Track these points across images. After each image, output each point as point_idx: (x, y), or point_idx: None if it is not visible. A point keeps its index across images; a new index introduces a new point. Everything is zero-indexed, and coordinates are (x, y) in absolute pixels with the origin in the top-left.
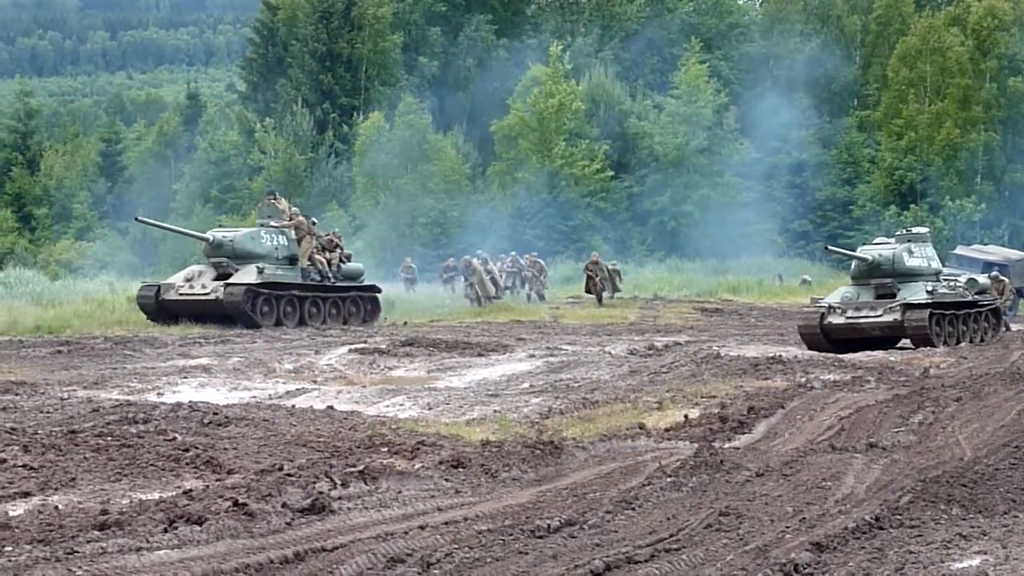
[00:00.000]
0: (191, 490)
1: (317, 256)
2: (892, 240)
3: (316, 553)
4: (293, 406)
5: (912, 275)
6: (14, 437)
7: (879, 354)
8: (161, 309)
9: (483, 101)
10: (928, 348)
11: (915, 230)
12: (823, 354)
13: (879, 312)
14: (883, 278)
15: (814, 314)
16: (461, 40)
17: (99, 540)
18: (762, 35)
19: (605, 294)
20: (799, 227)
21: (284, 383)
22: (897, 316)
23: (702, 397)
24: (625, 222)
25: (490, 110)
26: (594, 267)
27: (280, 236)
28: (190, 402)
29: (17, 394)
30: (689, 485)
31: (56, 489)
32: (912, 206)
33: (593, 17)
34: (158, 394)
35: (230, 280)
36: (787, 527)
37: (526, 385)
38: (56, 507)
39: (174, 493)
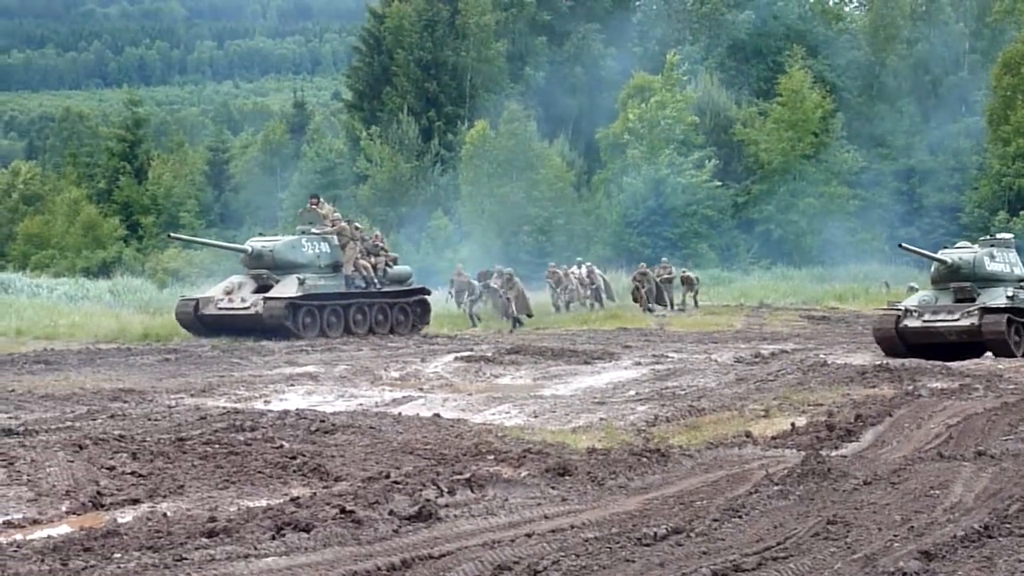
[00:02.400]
0: (298, 497)
1: (361, 261)
2: (975, 245)
3: (423, 560)
4: (399, 414)
5: (993, 280)
6: (123, 444)
7: (987, 362)
8: (200, 323)
9: (589, 109)
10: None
11: (1000, 235)
12: (931, 362)
13: (956, 316)
14: (963, 282)
15: (890, 317)
16: (567, 48)
17: (207, 547)
18: (868, 41)
19: (661, 308)
20: (906, 234)
21: (390, 391)
22: (974, 320)
23: (809, 405)
24: (731, 229)
25: (596, 117)
26: (641, 278)
27: (322, 243)
28: (297, 410)
29: (126, 402)
30: (796, 493)
31: (164, 496)
32: (1022, 212)
33: (700, 25)
34: (265, 402)
35: (270, 293)
36: (895, 535)
37: (632, 393)
38: (165, 514)
39: (281, 500)
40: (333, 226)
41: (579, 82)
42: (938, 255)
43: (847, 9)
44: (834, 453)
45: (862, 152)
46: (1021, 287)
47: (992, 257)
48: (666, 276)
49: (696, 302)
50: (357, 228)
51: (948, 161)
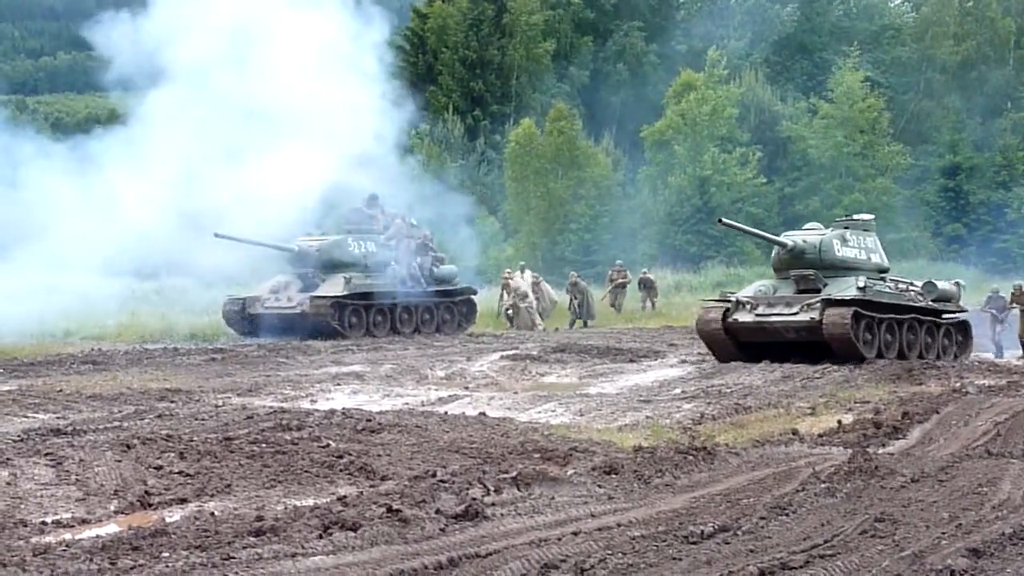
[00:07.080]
0: (345, 496)
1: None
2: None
3: (470, 559)
4: (446, 412)
5: (844, 268)
6: (170, 444)
7: None
8: (247, 322)
9: (633, 107)
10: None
11: (856, 217)
12: (975, 359)
13: (795, 309)
14: (806, 269)
15: (717, 309)
16: (610, 46)
17: (255, 546)
18: (914, 38)
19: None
20: (952, 231)
21: (436, 389)
22: (815, 315)
23: (855, 402)
24: (777, 227)
25: (640, 115)
26: (572, 288)
27: (368, 243)
28: (343, 409)
29: (173, 401)
30: (843, 491)
31: (212, 495)
32: None
33: (744, 21)
34: (311, 401)
35: (316, 292)
36: (943, 533)
37: (678, 391)
38: (212, 513)
39: (328, 499)
40: (385, 227)
41: (623, 80)
42: (779, 237)
43: (892, 6)
44: (881, 451)
45: (908, 149)
46: (881, 277)
47: (844, 240)
48: (621, 280)
49: (654, 305)
50: (413, 226)
51: (995, 157)
